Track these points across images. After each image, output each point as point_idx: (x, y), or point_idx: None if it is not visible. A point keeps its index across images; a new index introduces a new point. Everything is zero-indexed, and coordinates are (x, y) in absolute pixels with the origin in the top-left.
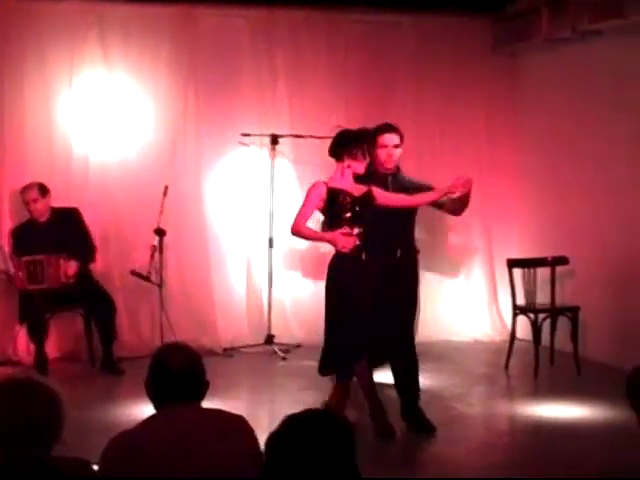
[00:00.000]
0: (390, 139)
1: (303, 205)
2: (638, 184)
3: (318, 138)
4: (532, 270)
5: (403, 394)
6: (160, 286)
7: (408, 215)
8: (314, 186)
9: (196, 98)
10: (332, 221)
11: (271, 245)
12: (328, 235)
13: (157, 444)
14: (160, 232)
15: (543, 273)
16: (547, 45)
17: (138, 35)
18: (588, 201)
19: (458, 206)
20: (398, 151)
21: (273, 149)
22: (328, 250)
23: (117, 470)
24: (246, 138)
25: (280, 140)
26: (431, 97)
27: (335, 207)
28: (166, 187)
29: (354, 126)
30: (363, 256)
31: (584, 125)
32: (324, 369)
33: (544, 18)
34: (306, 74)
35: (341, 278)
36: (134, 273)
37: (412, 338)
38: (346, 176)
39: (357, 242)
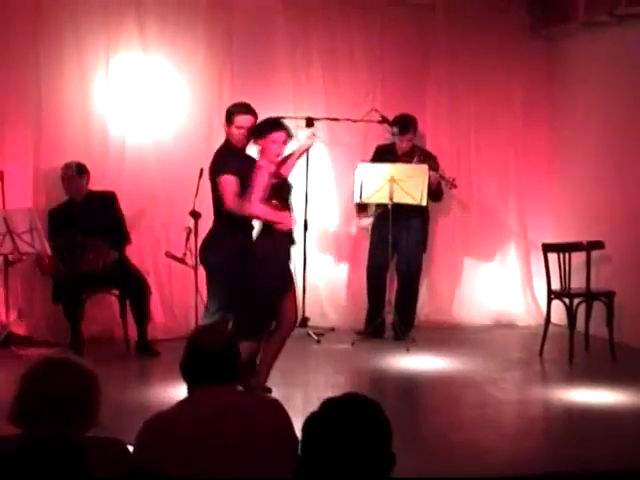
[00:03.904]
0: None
1: None
2: None
3: (353, 121)
4: (567, 255)
5: None
6: (195, 268)
7: None
8: None
9: (232, 80)
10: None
11: (306, 228)
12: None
13: (192, 425)
14: (195, 214)
15: (578, 258)
16: (584, 29)
17: (174, 17)
18: (624, 185)
19: None
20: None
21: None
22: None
23: (152, 451)
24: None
25: (315, 123)
26: (466, 80)
27: None
28: (201, 169)
29: (389, 109)
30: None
31: (622, 109)
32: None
33: (581, 2)
34: (341, 57)
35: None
36: (169, 255)
37: None
38: None
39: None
